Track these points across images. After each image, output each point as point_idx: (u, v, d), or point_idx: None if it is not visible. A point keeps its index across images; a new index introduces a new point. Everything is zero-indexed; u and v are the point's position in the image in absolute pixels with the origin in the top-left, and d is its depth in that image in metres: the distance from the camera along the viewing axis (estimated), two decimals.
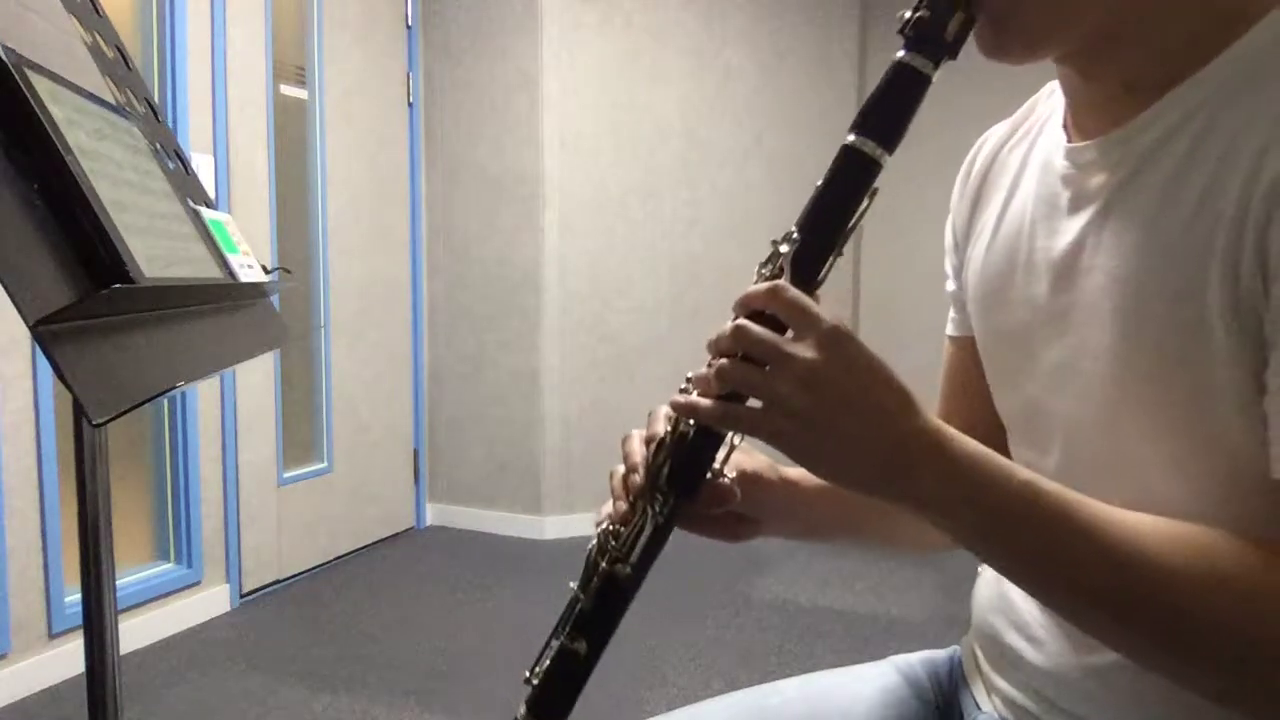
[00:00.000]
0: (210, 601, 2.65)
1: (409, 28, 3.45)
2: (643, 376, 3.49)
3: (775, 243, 0.56)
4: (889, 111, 0.54)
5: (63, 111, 0.68)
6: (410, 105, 3.48)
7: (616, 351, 3.51)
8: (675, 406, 0.56)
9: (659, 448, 0.59)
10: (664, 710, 0.79)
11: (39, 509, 2.15)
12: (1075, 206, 0.60)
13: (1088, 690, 0.62)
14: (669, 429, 0.59)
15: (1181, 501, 0.54)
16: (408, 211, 3.51)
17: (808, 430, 0.50)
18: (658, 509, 0.58)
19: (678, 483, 0.58)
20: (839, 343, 0.50)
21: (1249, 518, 0.51)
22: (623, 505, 0.60)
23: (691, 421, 0.57)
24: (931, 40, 0.53)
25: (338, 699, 2.14)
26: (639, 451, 0.62)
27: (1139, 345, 0.55)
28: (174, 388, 0.76)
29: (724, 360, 0.53)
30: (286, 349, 2.99)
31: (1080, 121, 0.62)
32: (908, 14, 0.54)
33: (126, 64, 1.00)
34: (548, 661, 0.60)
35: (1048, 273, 0.62)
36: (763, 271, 0.56)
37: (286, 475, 2.96)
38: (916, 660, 0.82)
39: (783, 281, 0.53)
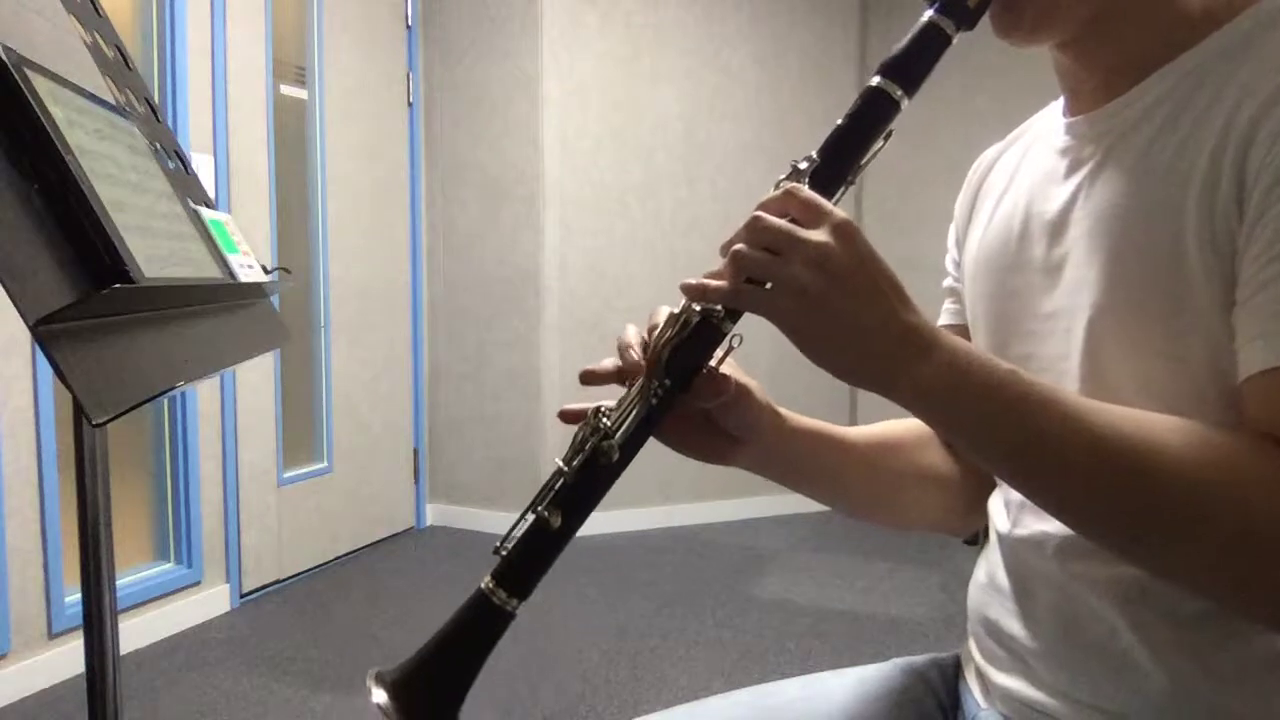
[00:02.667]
0: (210, 601, 2.65)
1: (409, 28, 3.45)
2: None
3: (794, 163, 0.59)
4: (914, 61, 0.59)
5: (63, 111, 0.68)
6: (410, 105, 3.48)
7: (616, 351, 3.51)
8: (685, 288, 0.58)
9: (660, 333, 0.60)
10: (664, 710, 0.78)
11: (39, 509, 2.15)
12: (1070, 171, 0.66)
13: (1086, 669, 0.63)
14: (672, 316, 0.61)
15: None
16: (408, 211, 3.51)
17: (813, 310, 0.52)
18: (654, 390, 0.59)
19: (675, 367, 0.59)
20: (850, 233, 0.53)
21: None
22: (603, 370, 0.62)
23: (697, 308, 0.59)
24: (956, 6, 0.59)
25: (338, 699, 2.14)
26: (633, 336, 0.63)
27: (1121, 274, 0.60)
28: (174, 388, 0.76)
29: (739, 245, 0.55)
30: (286, 349, 2.99)
31: (1076, 103, 0.69)
32: None
33: (126, 64, 1.00)
34: (520, 532, 0.60)
35: (1041, 234, 0.68)
36: (780, 185, 0.58)
37: (286, 475, 2.96)
38: (922, 662, 0.82)
39: (796, 184, 0.57)
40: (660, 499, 3.55)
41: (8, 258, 0.56)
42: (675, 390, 0.60)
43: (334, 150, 3.12)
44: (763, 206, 0.56)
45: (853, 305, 0.52)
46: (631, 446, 0.60)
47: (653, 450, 0.62)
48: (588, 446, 0.59)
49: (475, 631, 0.59)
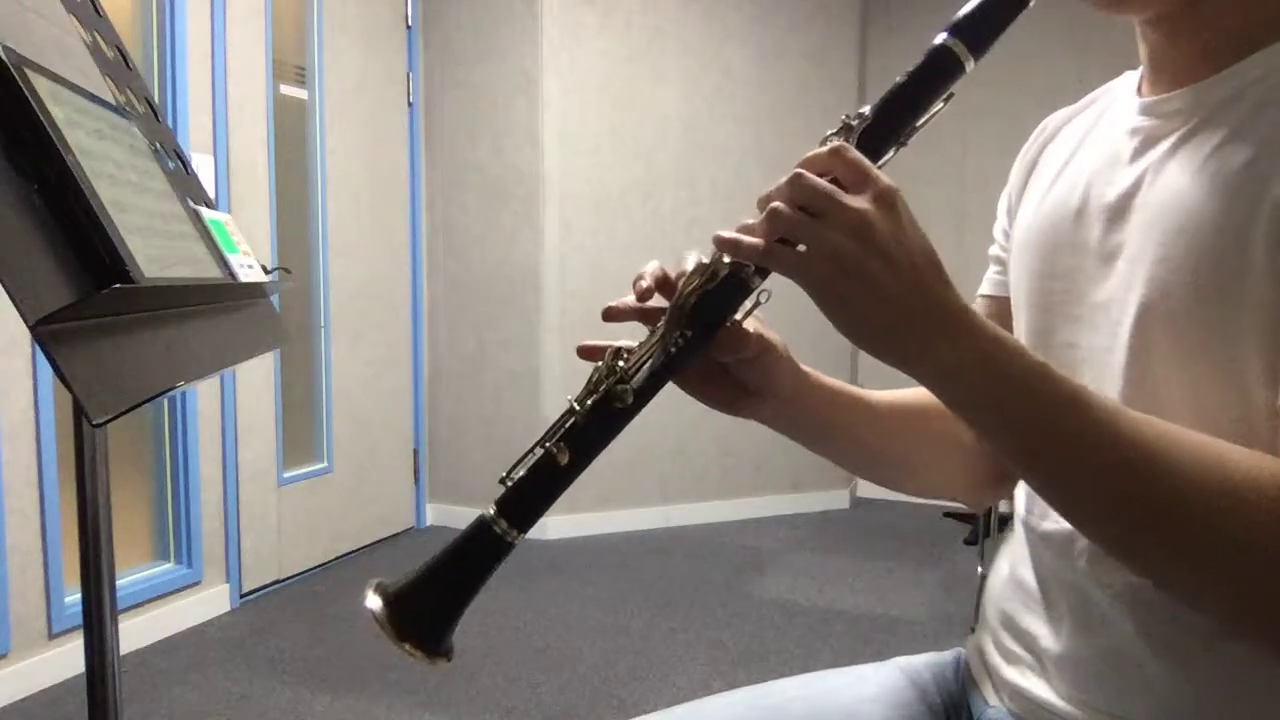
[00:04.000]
0: (210, 601, 2.65)
1: (409, 28, 3.45)
2: None
3: (846, 117, 0.57)
4: (985, 21, 0.56)
5: (63, 111, 0.68)
6: (410, 105, 3.48)
7: None
8: (718, 241, 0.55)
9: (686, 281, 0.59)
10: (664, 710, 0.78)
11: (39, 509, 2.15)
12: (1139, 153, 0.63)
13: (1100, 672, 0.62)
14: (700, 265, 0.59)
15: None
16: (408, 211, 3.51)
17: (846, 277, 0.50)
18: (674, 338, 0.58)
19: (699, 316, 0.58)
20: (894, 202, 0.51)
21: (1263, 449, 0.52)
22: (622, 306, 0.61)
23: (726, 260, 0.57)
24: None
25: (338, 699, 2.14)
26: (654, 269, 0.62)
27: (1178, 277, 0.56)
28: (174, 388, 0.76)
29: (776, 203, 0.53)
30: (286, 349, 2.98)
31: (1158, 80, 0.65)
32: None
33: (126, 64, 1.00)
34: (527, 466, 0.59)
35: (1101, 217, 0.64)
36: (828, 140, 0.56)
37: (286, 475, 2.96)
38: (921, 662, 0.81)
39: (845, 143, 0.54)
40: (660, 499, 3.55)
41: (8, 258, 0.56)
42: (697, 341, 0.58)
43: (334, 150, 3.12)
44: (806, 162, 0.54)
45: (886, 277, 0.50)
46: (646, 392, 0.58)
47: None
48: (602, 388, 0.58)
49: (474, 557, 0.59)
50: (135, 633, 2.40)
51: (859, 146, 0.55)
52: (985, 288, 0.81)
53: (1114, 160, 0.65)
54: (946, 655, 0.82)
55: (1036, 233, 0.70)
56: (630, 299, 0.62)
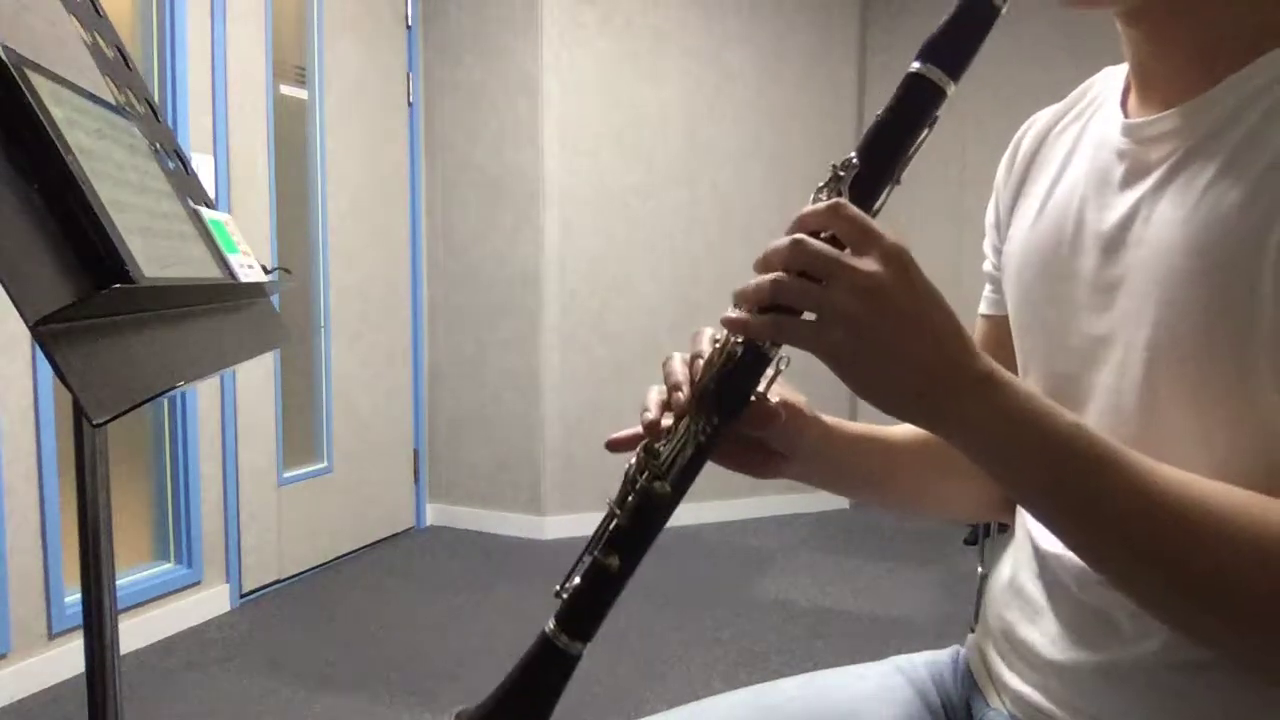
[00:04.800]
0: (210, 601, 2.65)
1: (409, 28, 3.45)
2: (643, 376, 3.49)
3: (835, 167, 0.55)
4: (959, 40, 0.54)
5: (63, 111, 0.68)
6: (410, 105, 3.48)
7: (616, 351, 3.51)
8: (726, 323, 0.55)
9: (706, 366, 0.58)
10: (664, 710, 0.78)
11: (39, 509, 2.15)
12: (1129, 181, 0.60)
13: (1100, 687, 0.62)
14: (716, 348, 0.58)
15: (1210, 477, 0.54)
16: (408, 211, 3.51)
17: (861, 342, 0.49)
18: (701, 427, 0.57)
19: (723, 402, 0.57)
20: (902, 260, 0.49)
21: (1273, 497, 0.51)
22: (652, 415, 0.59)
23: (739, 340, 0.56)
24: None
25: (338, 699, 2.14)
26: (681, 371, 0.60)
27: (1184, 314, 0.54)
28: (174, 388, 0.76)
29: (779, 274, 0.51)
30: (286, 349, 2.99)
31: (1145, 94, 0.62)
32: None
33: (126, 64, 1.00)
34: (579, 576, 0.59)
35: (1095, 246, 0.62)
36: (819, 195, 0.55)
37: (286, 475, 2.96)
38: (919, 660, 0.81)
39: (842, 199, 0.53)
40: None
41: (8, 258, 0.56)
42: (724, 424, 0.58)
43: (334, 150, 3.12)
44: (803, 221, 0.52)
45: (899, 338, 0.49)
46: (684, 482, 0.58)
47: None
48: (638, 487, 0.58)
49: (542, 676, 0.59)
50: (135, 633, 2.40)
51: (853, 196, 0.54)
52: (984, 307, 0.79)
53: (1104, 184, 0.62)
54: (944, 654, 0.82)
55: (1031, 257, 0.68)
56: (635, 429, 0.61)
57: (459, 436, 3.62)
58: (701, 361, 0.59)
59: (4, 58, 0.63)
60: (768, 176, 3.65)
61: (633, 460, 0.59)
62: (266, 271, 1.10)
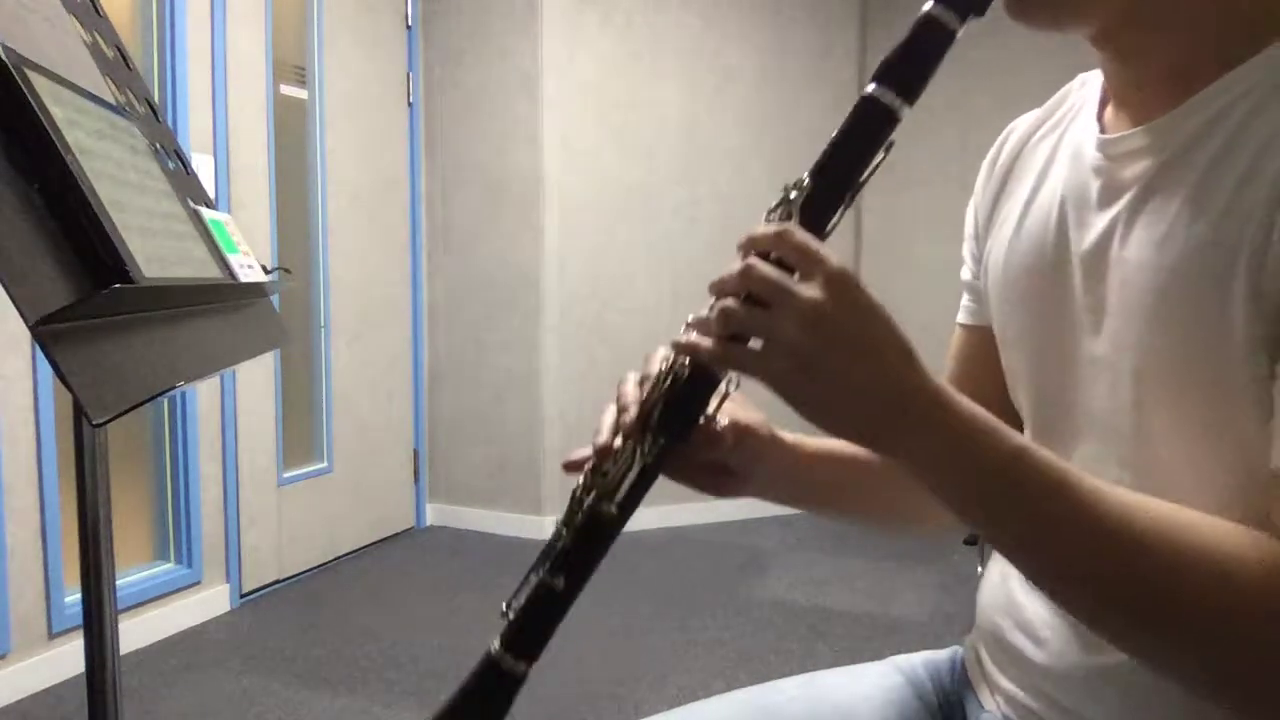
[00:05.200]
0: (210, 601, 2.65)
1: (409, 28, 3.45)
2: None
3: (786, 188, 0.55)
4: (912, 63, 0.53)
5: (63, 111, 0.68)
6: (410, 105, 3.48)
7: (616, 352, 3.51)
8: (676, 346, 0.55)
9: (653, 388, 0.58)
10: (664, 710, 0.78)
11: (39, 509, 2.15)
12: (1106, 198, 0.60)
13: (1092, 690, 0.62)
14: (663, 370, 0.58)
15: (1199, 500, 0.54)
16: (408, 211, 3.51)
17: (807, 372, 0.49)
18: (647, 449, 0.57)
19: (669, 424, 0.57)
20: (845, 285, 0.49)
21: (1259, 516, 0.50)
22: (603, 439, 0.59)
23: (688, 363, 0.56)
24: None
25: (338, 699, 2.14)
26: (631, 392, 0.60)
27: (1166, 335, 0.54)
28: (174, 388, 0.76)
29: (728, 300, 0.51)
30: (286, 349, 2.99)
31: (1120, 109, 0.61)
32: None
33: (126, 64, 1.00)
34: (525, 596, 0.59)
35: (1081, 267, 0.61)
36: (771, 216, 0.55)
37: (286, 475, 2.96)
38: (918, 660, 0.81)
39: (790, 224, 0.52)
40: (661, 499, 3.54)
41: (8, 258, 0.56)
42: (671, 446, 0.57)
43: (334, 150, 3.12)
44: (752, 242, 0.52)
45: (848, 367, 0.49)
46: (630, 504, 0.58)
47: None
48: (585, 507, 0.58)
49: (487, 696, 0.58)
50: (135, 633, 2.40)
51: (804, 218, 0.53)
52: (962, 316, 0.78)
53: (1083, 200, 0.62)
54: (943, 654, 0.82)
55: (1017, 272, 0.67)
56: (587, 449, 0.61)
57: (459, 436, 3.62)
58: (648, 384, 0.59)
59: (4, 58, 0.63)
60: (768, 176, 3.65)
61: (580, 480, 0.59)
62: (266, 271, 1.10)
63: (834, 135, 0.54)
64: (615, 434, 0.59)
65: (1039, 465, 0.50)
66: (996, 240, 0.71)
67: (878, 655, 0.82)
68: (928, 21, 0.53)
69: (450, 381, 3.62)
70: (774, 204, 0.55)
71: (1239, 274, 0.50)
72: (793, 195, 0.54)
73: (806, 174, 0.54)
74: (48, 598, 2.17)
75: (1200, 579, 0.48)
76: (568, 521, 0.58)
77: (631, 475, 0.57)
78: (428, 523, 3.66)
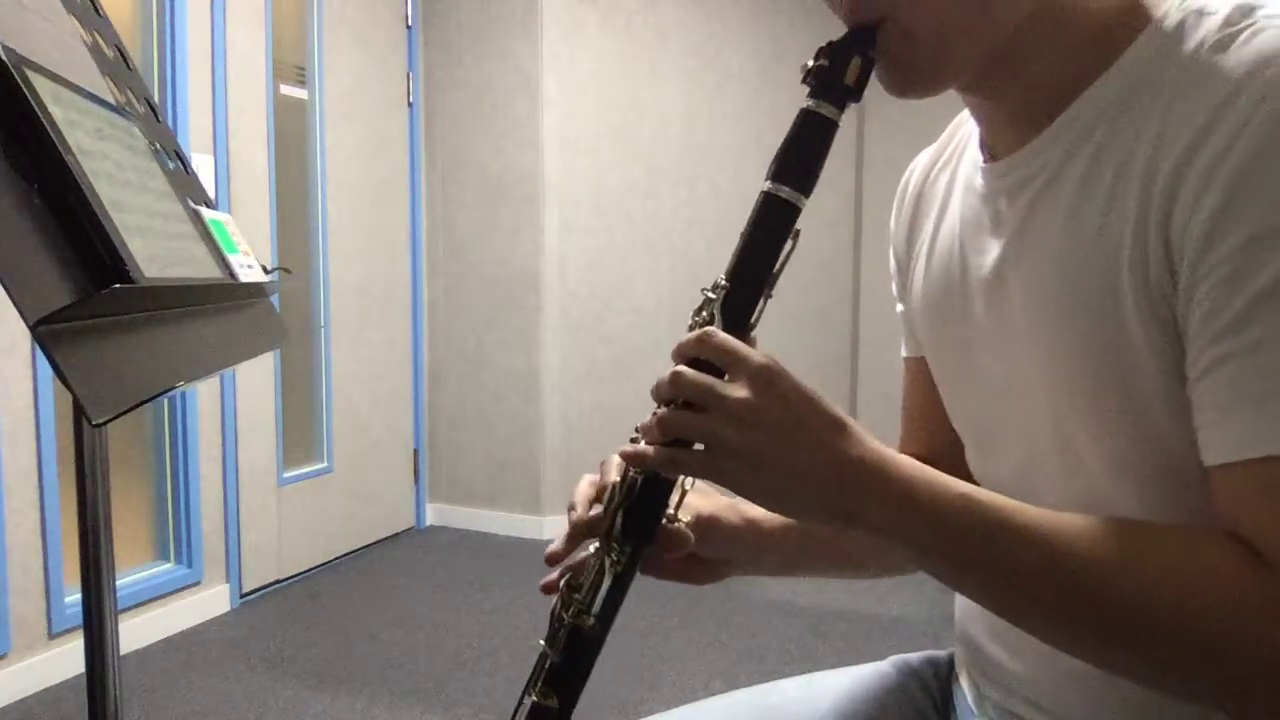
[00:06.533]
0: (210, 601, 2.65)
1: (409, 28, 3.45)
2: (643, 377, 3.49)
3: (704, 290, 0.58)
4: (802, 158, 0.57)
5: (63, 111, 0.68)
6: (410, 105, 3.48)
7: (616, 351, 3.51)
8: (624, 456, 0.57)
9: (610, 497, 0.59)
10: (664, 710, 0.79)
11: (39, 509, 2.15)
12: (995, 227, 0.62)
13: (1068, 695, 0.63)
14: (619, 478, 0.59)
15: (1133, 503, 0.55)
16: (408, 211, 3.51)
17: (751, 468, 0.51)
18: (615, 558, 0.58)
19: (632, 531, 0.58)
20: (771, 379, 0.52)
21: (1194, 513, 0.51)
22: (555, 547, 0.62)
23: (639, 471, 0.58)
24: (833, 87, 0.57)
25: (338, 699, 2.14)
26: (584, 491, 0.63)
27: (1067, 357, 0.56)
28: (174, 388, 0.76)
29: (664, 410, 0.54)
30: (286, 349, 2.99)
31: (993, 141, 0.63)
32: (810, 63, 0.58)
33: (126, 64, 1.00)
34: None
35: (981, 291, 0.63)
36: (696, 319, 0.57)
37: (286, 475, 2.96)
38: (917, 660, 0.82)
39: (711, 327, 0.55)
40: None
41: (8, 258, 0.56)
42: (636, 553, 0.59)
43: (334, 150, 3.12)
44: (680, 350, 0.55)
45: (785, 455, 0.51)
46: (608, 614, 0.59)
47: None
48: (566, 624, 0.59)
49: None
50: (135, 633, 2.40)
51: (726, 317, 0.56)
52: (904, 350, 0.80)
53: (977, 227, 0.64)
54: (942, 654, 0.82)
55: (930, 304, 0.70)
56: (556, 572, 0.63)
57: (459, 436, 3.62)
58: (607, 493, 0.60)
59: (4, 58, 0.63)
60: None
61: (556, 601, 0.60)
62: (266, 271, 1.10)
63: (743, 234, 0.58)
64: (571, 539, 0.62)
65: (985, 507, 0.52)
66: (915, 273, 0.73)
67: (878, 655, 0.83)
68: (809, 116, 0.57)
69: (450, 381, 3.62)
70: (697, 305, 0.58)
71: (1123, 275, 0.51)
72: (712, 295, 0.57)
73: (723, 275, 0.57)
74: (48, 598, 2.17)
75: (1168, 591, 0.48)
76: (551, 640, 0.60)
77: (605, 586, 0.59)
78: (428, 523, 3.66)
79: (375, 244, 3.35)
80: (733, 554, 0.69)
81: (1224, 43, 0.49)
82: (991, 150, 0.63)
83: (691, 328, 0.57)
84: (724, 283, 0.57)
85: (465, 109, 3.49)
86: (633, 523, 0.58)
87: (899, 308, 0.80)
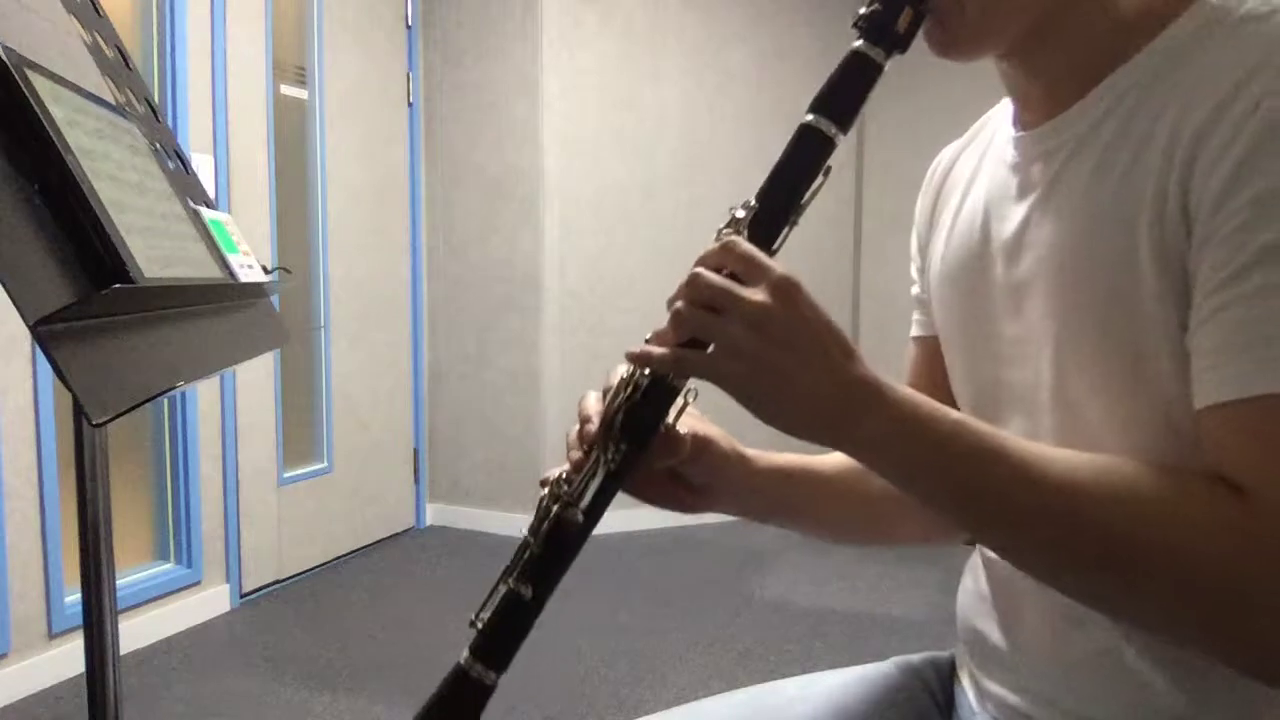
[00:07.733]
0: (210, 601, 2.65)
1: (409, 28, 3.45)
2: None
3: (732, 210, 0.58)
4: (845, 94, 0.58)
5: (63, 111, 0.68)
6: (410, 105, 3.48)
7: (616, 352, 3.49)
8: (630, 356, 0.58)
9: (613, 398, 0.60)
10: (664, 710, 0.79)
11: (39, 509, 2.15)
12: (1023, 191, 0.64)
13: (1071, 684, 0.63)
14: (623, 380, 0.60)
15: (1121, 453, 0.56)
16: (408, 211, 3.51)
17: (755, 372, 0.52)
18: (610, 456, 0.59)
19: (630, 431, 0.59)
20: (789, 290, 0.52)
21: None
22: (577, 454, 0.62)
23: (646, 372, 0.59)
24: (884, 32, 0.57)
25: (338, 699, 2.14)
26: (593, 405, 0.63)
27: (1078, 306, 0.58)
28: (174, 388, 0.76)
29: (679, 305, 0.54)
30: (286, 349, 2.99)
31: (1025, 114, 0.66)
32: (863, 9, 0.58)
33: (126, 64, 1.00)
34: (493, 606, 0.60)
35: (1000, 254, 0.65)
36: (722, 232, 0.58)
37: (286, 475, 2.96)
38: (919, 660, 0.82)
39: (736, 237, 0.55)
40: None
41: (8, 258, 0.56)
42: (632, 454, 0.59)
43: (334, 150, 3.12)
44: (702, 260, 0.56)
45: (793, 365, 0.52)
46: (595, 510, 0.60)
47: None
48: (551, 515, 0.59)
49: (456, 706, 0.59)
50: (135, 633, 2.40)
51: (751, 236, 0.56)
52: (914, 330, 0.82)
53: (1003, 196, 0.66)
54: (944, 654, 0.82)
55: (948, 274, 0.72)
56: (573, 434, 0.64)
57: (459, 436, 3.62)
58: (609, 395, 0.61)
59: (4, 58, 0.63)
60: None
61: (545, 491, 0.60)
62: (266, 271, 1.10)
63: (778, 160, 0.58)
64: (581, 446, 0.62)
65: (978, 434, 0.53)
66: (934, 250, 0.75)
67: (878, 655, 0.83)
68: (856, 56, 0.58)
69: (450, 381, 3.62)
70: (723, 224, 0.58)
71: (1141, 232, 0.53)
72: (740, 214, 0.58)
73: (753, 197, 0.58)
74: (48, 598, 2.17)
75: (1154, 520, 0.50)
76: (534, 530, 0.60)
77: (596, 482, 0.59)
78: (428, 523, 3.66)
79: (375, 244, 3.35)
80: (717, 484, 0.69)
81: (1262, 14, 0.51)
82: (1024, 123, 0.65)
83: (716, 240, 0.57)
84: (753, 203, 0.58)
85: (465, 109, 3.49)
86: (632, 423, 0.59)
87: (914, 289, 0.81)
